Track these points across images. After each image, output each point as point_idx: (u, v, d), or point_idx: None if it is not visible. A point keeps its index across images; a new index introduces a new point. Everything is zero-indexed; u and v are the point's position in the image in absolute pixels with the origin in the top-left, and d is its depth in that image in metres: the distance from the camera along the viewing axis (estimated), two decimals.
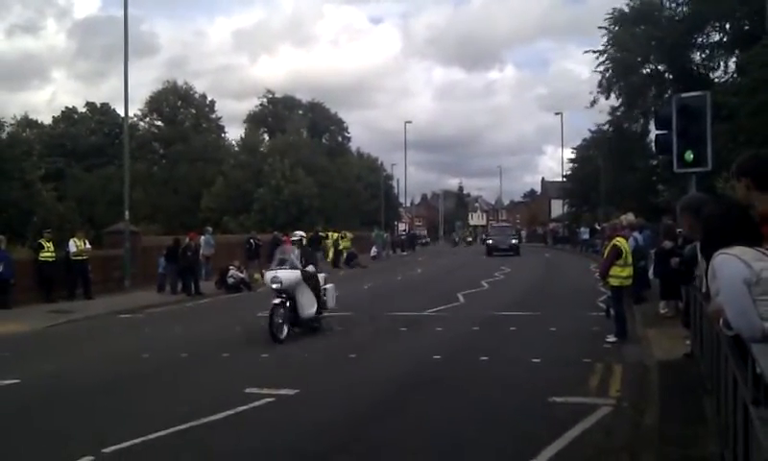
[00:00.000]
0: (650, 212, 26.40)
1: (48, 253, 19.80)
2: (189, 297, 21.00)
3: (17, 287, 18.65)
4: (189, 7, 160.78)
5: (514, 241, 45.37)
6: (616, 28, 32.65)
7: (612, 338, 11.35)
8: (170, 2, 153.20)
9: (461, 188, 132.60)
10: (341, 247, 35.18)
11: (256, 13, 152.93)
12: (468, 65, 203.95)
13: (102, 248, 24.35)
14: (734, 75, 28.53)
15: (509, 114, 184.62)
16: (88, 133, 59.89)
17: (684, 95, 12.48)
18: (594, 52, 33.45)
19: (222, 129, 66.99)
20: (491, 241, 45.91)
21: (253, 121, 68.03)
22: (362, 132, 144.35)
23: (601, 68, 33.32)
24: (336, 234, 36.34)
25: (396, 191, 75.16)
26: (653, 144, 18.16)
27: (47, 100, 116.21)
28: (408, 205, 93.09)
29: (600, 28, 33.27)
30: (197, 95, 64.27)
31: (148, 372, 10.22)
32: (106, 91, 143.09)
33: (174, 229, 40.99)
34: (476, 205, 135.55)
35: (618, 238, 11.89)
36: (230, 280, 22.54)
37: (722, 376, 5.03)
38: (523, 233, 70.26)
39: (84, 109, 62.98)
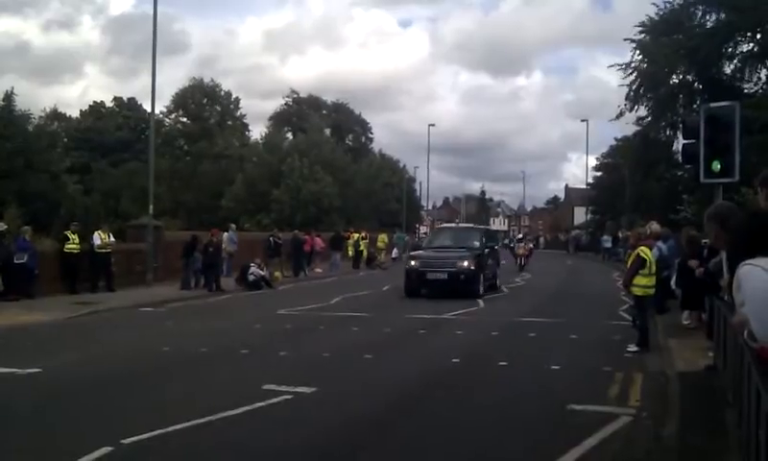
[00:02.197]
0: (674, 223, 26.12)
1: (73, 244, 20.02)
2: (210, 293, 21.15)
3: (42, 278, 18.88)
4: (221, 6, 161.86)
5: (466, 265, 19.87)
6: (644, 38, 32.28)
7: (633, 347, 11.25)
8: (202, 1, 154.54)
9: (483, 193, 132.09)
10: (361, 248, 35.22)
11: (287, 14, 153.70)
12: (495, 71, 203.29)
13: (125, 241, 24.59)
14: (765, 86, 28.12)
15: (534, 120, 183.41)
16: (115, 128, 60.58)
17: (712, 105, 12.34)
18: (620, 66, 33.13)
19: (246, 127, 67.47)
20: (416, 263, 20.69)
21: (278, 120, 68.39)
22: (386, 134, 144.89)
23: (628, 81, 32.98)
24: (357, 235, 36.38)
25: (418, 194, 75.21)
26: (679, 154, 17.96)
27: (78, 95, 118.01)
28: (430, 208, 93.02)
29: (626, 40, 32.94)
30: (222, 93, 64.77)
31: (168, 365, 10.30)
32: (137, 87, 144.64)
33: (195, 225, 41.34)
34: (498, 210, 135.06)
35: (642, 247, 11.78)
36: (251, 278, 22.65)
37: (745, 388, 4.96)
38: (541, 240, 67.02)
39: (111, 104, 63.71)
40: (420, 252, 22.01)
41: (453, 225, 25.08)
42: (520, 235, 45.90)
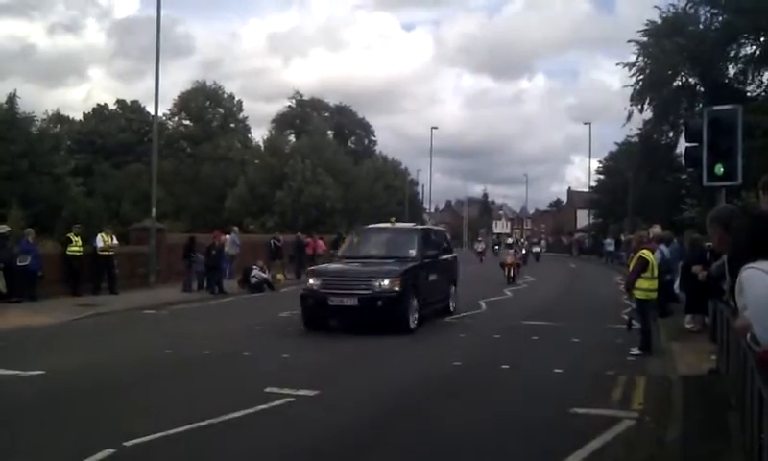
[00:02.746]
0: (677, 226, 26.10)
1: (76, 247, 20.05)
2: (213, 295, 21.16)
3: (44, 280, 18.90)
4: (225, 9, 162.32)
5: (386, 285, 13.61)
6: (648, 40, 32.33)
7: (636, 351, 11.24)
8: (207, 4, 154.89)
9: (486, 196, 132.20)
10: None
11: (291, 17, 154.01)
12: (498, 74, 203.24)
13: (128, 244, 24.61)
14: None
15: (537, 123, 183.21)
16: (118, 131, 60.67)
17: (715, 108, 12.31)
18: (625, 65, 33.18)
19: (248, 129, 67.58)
20: (315, 283, 14.21)
21: (280, 123, 68.48)
22: (389, 137, 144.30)
23: (632, 81, 33.03)
24: None
25: (420, 197, 75.20)
26: (682, 157, 17.95)
27: (83, 98, 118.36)
28: (432, 210, 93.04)
29: (630, 41, 32.98)
30: (225, 95, 64.88)
31: (170, 367, 10.31)
32: (141, 90, 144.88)
33: (198, 227, 41.36)
34: (501, 212, 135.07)
35: (645, 250, 11.77)
36: (253, 280, 22.67)
37: (747, 391, 4.95)
38: (543, 243, 63.13)
39: (114, 107, 63.82)
40: (327, 265, 16.28)
41: (381, 225, 17.80)
42: (510, 240, 37.70)
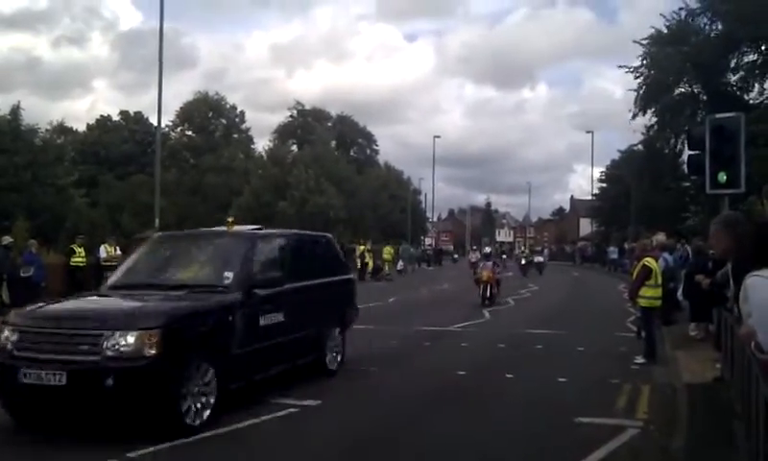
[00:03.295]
0: (680, 233, 26.08)
1: (79, 258, 20.12)
2: None
3: (48, 291, 18.89)
4: (230, 22, 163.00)
5: (124, 347, 6.76)
6: (652, 48, 32.44)
7: (640, 359, 11.21)
8: (211, 17, 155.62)
9: (488, 204, 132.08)
10: (366, 260, 35.22)
11: (294, 29, 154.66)
12: (500, 83, 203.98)
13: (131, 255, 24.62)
14: None
15: (539, 132, 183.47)
16: (121, 142, 60.82)
17: (717, 116, 12.32)
18: (629, 69, 33.25)
19: (251, 140, 67.67)
20: (12, 339, 7.23)
21: (282, 133, 68.59)
22: (392, 146, 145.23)
23: (635, 85, 33.12)
24: (363, 247, 36.40)
25: (423, 205, 75.23)
26: (685, 165, 17.94)
27: (87, 109, 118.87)
28: (435, 219, 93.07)
29: (635, 42, 33.08)
30: (227, 106, 65.03)
31: None
32: (145, 102, 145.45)
33: None
34: (504, 221, 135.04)
35: (648, 258, 11.76)
36: None
37: (753, 399, 4.94)
38: (546, 252, 59.44)
39: (117, 118, 64.00)
40: (49, 302, 8.69)
41: (194, 232, 12.82)
42: (488, 249, 27.71)
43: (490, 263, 22.79)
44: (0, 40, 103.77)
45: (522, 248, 28.80)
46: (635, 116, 34.15)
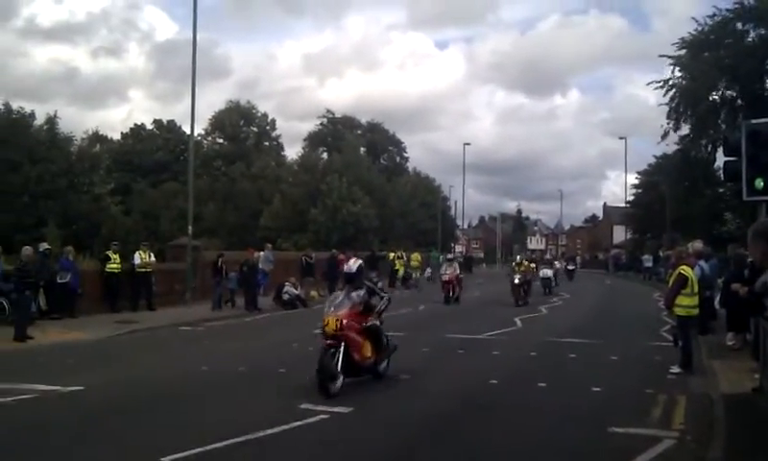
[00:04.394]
0: (716, 241, 25.65)
1: (114, 264, 20.41)
2: (247, 312, 21.31)
3: (84, 297, 19.24)
4: (263, 32, 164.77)
5: None
6: (684, 55, 31.91)
7: (676, 369, 11.01)
8: (244, 27, 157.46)
9: (519, 211, 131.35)
10: (396, 267, 35.19)
11: (326, 38, 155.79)
12: (531, 90, 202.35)
13: (164, 261, 24.93)
14: None
15: (571, 138, 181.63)
16: (155, 150, 61.72)
17: (754, 121, 12.11)
18: (658, 83, 32.76)
19: (281, 147, 68.24)
20: None
21: (313, 141, 69.00)
22: (423, 154, 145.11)
23: (667, 99, 32.59)
24: (393, 254, 36.39)
25: (453, 213, 75.04)
26: (721, 171, 17.65)
27: (122, 118, 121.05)
28: (465, 227, 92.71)
29: (662, 56, 32.61)
30: (259, 114, 65.66)
31: (206, 384, 10.37)
32: (179, 111, 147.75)
33: (235, 244, 41.76)
34: (535, 228, 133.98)
35: (684, 266, 11.55)
36: (285, 296, 22.84)
37: None
38: (578, 260, 58.99)
39: (151, 127, 64.97)
40: None
41: None
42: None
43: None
44: (39, 52, 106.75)
45: (518, 258, 23.23)
46: (664, 136, 33.65)
